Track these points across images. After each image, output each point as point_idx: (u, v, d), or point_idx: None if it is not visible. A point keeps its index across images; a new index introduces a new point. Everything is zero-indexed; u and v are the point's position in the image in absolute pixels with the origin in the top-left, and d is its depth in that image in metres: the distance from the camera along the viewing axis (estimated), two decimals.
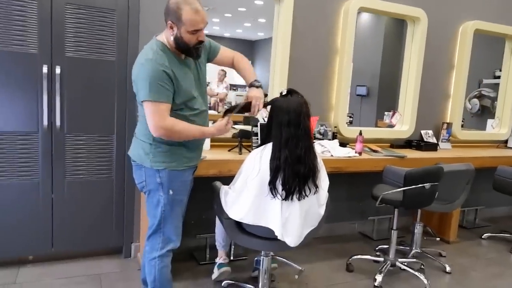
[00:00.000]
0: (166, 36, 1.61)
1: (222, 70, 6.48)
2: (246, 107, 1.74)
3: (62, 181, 2.27)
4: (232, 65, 1.89)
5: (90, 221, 2.38)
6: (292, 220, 1.70)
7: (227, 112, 1.73)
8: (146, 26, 2.33)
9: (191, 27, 1.55)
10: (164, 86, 1.54)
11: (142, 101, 1.56)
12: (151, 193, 1.71)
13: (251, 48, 13.05)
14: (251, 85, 1.78)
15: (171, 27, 1.57)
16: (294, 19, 2.73)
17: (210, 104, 5.15)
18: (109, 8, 2.23)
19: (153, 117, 1.56)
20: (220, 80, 5.55)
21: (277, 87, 2.71)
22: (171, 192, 1.69)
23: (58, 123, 2.20)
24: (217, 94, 5.48)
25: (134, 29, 2.30)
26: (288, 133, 1.66)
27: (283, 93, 1.75)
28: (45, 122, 2.18)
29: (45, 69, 2.14)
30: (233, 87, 10.99)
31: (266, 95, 6.01)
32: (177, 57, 1.63)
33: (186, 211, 1.85)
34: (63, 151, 2.24)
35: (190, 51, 1.61)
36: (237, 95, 6.46)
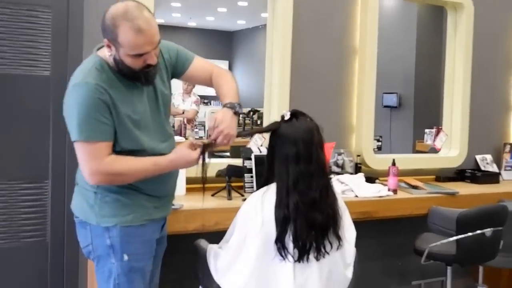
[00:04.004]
0: (108, 55, 1.75)
1: None
2: (209, 145, 1.84)
3: None
4: (210, 83, 2.03)
5: None
6: None
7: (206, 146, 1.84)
8: (92, 30, 2.45)
9: (132, 50, 1.68)
10: (99, 120, 1.67)
11: (73, 142, 1.71)
12: (101, 260, 1.82)
13: (228, 43, 13.25)
14: (224, 106, 1.90)
15: (108, 46, 1.72)
16: (296, 11, 2.97)
17: (173, 127, 5.24)
18: (41, 5, 2.40)
19: (86, 161, 1.70)
20: (186, 93, 5.59)
21: (275, 105, 2.92)
22: (126, 257, 1.80)
23: None
24: (182, 113, 5.52)
25: (76, 34, 2.47)
26: (297, 170, 1.79)
27: (286, 118, 1.90)
28: None
29: None
30: (205, 99, 11.22)
31: (254, 111, 6.16)
32: (123, 77, 1.76)
33: (159, 282, 1.96)
34: None
35: (136, 76, 1.75)
36: (212, 112, 6.62)
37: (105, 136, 1.71)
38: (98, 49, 1.82)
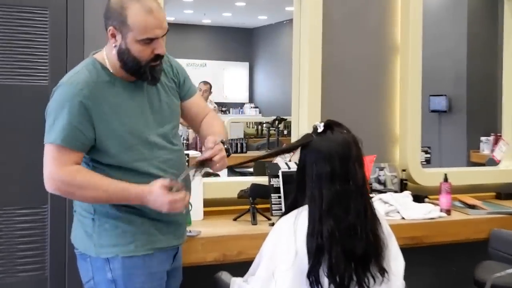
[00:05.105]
0: (107, 52, 1.84)
1: (205, 84, 6.71)
2: (205, 161, 1.85)
3: None
4: (198, 124, 2.10)
5: None
6: None
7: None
8: (94, 33, 2.47)
9: (142, 34, 1.75)
10: (77, 127, 1.75)
11: (45, 143, 1.79)
12: None
13: (247, 41, 13.31)
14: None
15: (113, 35, 1.79)
16: (326, 3, 2.97)
17: (187, 140, 5.31)
18: (37, 6, 2.42)
19: (50, 164, 1.77)
20: None
21: (305, 112, 2.92)
22: None
23: None
24: None
25: (75, 37, 2.49)
26: (332, 192, 1.77)
27: (319, 130, 1.88)
28: None
29: None
30: (223, 107, 11.24)
31: (280, 120, 6.10)
32: (119, 80, 1.84)
33: None
34: None
35: (142, 71, 1.81)
36: (232, 122, 6.62)
37: (78, 145, 1.78)
38: (95, 53, 1.91)
